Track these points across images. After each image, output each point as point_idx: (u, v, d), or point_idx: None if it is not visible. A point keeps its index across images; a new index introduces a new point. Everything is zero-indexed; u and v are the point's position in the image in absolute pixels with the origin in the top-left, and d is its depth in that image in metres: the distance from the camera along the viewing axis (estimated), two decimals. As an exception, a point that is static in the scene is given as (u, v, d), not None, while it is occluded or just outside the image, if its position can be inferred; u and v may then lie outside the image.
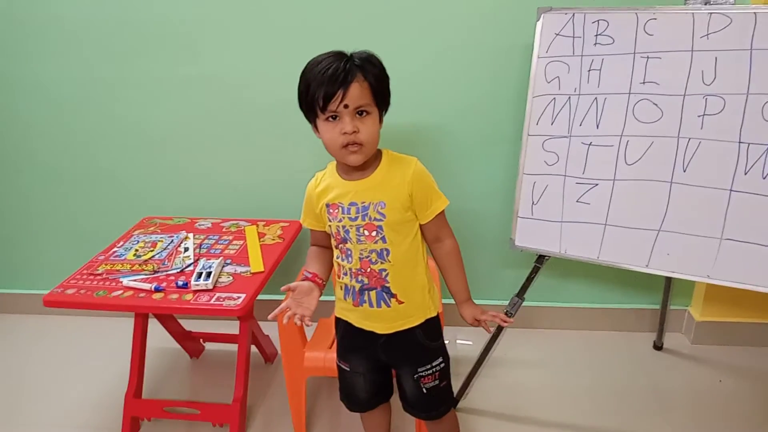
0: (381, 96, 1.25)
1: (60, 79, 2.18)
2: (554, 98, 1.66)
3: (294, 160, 2.18)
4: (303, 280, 1.32)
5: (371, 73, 1.21)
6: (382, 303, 1.32)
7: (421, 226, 1.33)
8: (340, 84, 1.17)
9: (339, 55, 1.21)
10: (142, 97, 2.17)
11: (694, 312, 2.26)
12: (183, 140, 2.22)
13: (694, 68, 1.48)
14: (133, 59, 2.12)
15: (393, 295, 1.31)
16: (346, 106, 1.19)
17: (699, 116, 1.47)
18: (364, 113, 1.22)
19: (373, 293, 1.32)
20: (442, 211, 1.32)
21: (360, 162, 1.25)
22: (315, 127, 1.28)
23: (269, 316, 1.26)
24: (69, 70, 2.16)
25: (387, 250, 1.28)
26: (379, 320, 1.35)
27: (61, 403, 2.01)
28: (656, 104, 1.52)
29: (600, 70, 1.59)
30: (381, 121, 1.29)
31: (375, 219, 1.27)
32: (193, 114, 2.18)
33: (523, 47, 1.90)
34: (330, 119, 1.22)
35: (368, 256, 1.29)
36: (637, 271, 1.61)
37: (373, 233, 1.27)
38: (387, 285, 1.31)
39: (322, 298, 2.18)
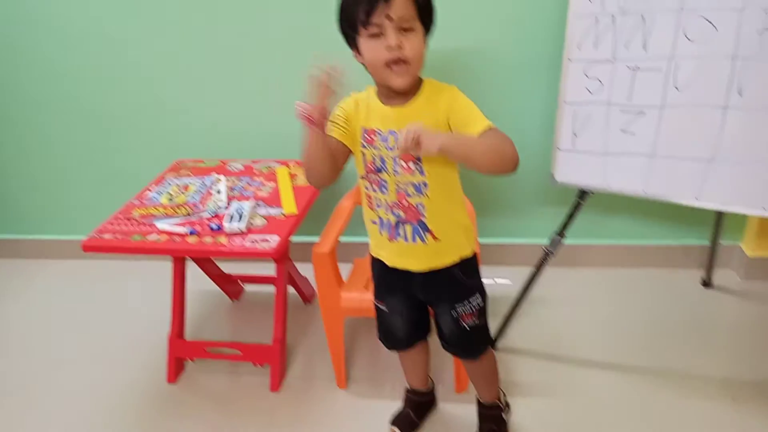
0: (426, 13, 1.17)
1: (91, 21, 2.15)
2: (597, 18, 1.54)
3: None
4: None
5: None
6: (417, 238, 1.28)
7: None
8: None
9: None
10: (172, 39, 2.14)
11: (746, 247, 2.16)
12: (213, 82, 2.19)
13: (755, -22, 1.34)
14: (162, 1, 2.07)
15: (429, 231, 1.27)
16: (389, 19, 1.12)
17: (758, 33, 1.34)
18: (409, 29, 1.15)
19: (408, 227, 1.28)
20: (492, 130, 1.16)
21: (406, 85, 1.18)
22: (356, 50, 1.21)
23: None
24: (93, 9, 2.13)
25: (425, 183, 1.23)
26: (414, 257, 1.32)
27: (107, 345, 2.08)
28: (710, 21, 1.39)
29: (648, -15, 1.46)
30: (426, 43, 1.21)
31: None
32: (221, 55, 2.14)
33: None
34: (373, 36, 1.15)
35: (405, 189, 1.24)
36: (686, 205, 1.53)
37: (410, 164, 1.22)
38: (423, 220, 1.27)
39: (356, 239, 2.19)
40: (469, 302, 1.36)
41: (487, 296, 1.41)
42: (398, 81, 1.17)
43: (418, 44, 1.16)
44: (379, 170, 1.25)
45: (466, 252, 1.34)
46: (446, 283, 1.35)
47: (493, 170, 1.16)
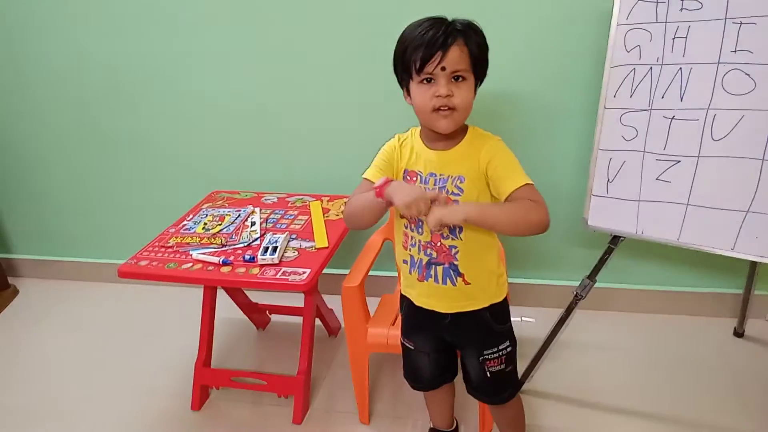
0: (479, 65, 1.20)
1: (128, 54, 2.23)
2: (634, 69, 1.55)
3: (359, 136, 2.16)
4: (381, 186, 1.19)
5: (473, 39, 1.18)
6: (448, 280, 1.29)
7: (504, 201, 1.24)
8: (440, 46, 1.14)
9: (440, 20, 1.18)
10: (209, 72, 2.20)
11: (781, 298, 2.12)
12: (250, 115, 2.24)
13: (795, 34, 1.34)
14: (199, 32, 2.14)
15: (460, 275, 1.28)
16: (443, 69, 1.15)
17: (798, 87, 1.35)
18: (460, 78, 1.18)
19: (440, 269, 1.29)
20: (527, 188, 1.18)
21: (450, 129, 1.20)
22: (407, 91, 1.25)
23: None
24: (137, 45, 2.21)
25: (460, 226, 1.24)
26: (442, 298, 1.32)
27: (134, 369, 2.11)
28: (748, 74, 1.39)
29: (686, 37, 1.47)
30: (475, 92, 1.24)
31: (452, 193, 1.23)
32: (260, 90, 2.19)
33: (601, 13, 1.78)
34: (424, 82, 1.18)
35: (440, 230, 1.25)
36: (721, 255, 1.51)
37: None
38: (455, 263, 1.27)
39: (386, 273, 2.20)
40: (498, 349, 1.36)
41: (516, 342, 1.40)
42: (443, 123, 1.19)
43: (467, 94, 1.19)
44: None
45: (496, 298, 1.35)
46: (476, 327, 1.35)
47: (519, 235, 1.20)
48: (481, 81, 1.25)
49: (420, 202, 1.12)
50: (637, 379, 1.92)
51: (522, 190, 1.18)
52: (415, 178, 1.27)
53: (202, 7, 2.09)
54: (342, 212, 1.92)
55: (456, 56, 1.15)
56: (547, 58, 1.94)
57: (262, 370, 2.00)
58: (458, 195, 1.23)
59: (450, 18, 1.19)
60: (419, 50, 1.15)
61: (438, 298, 1.33)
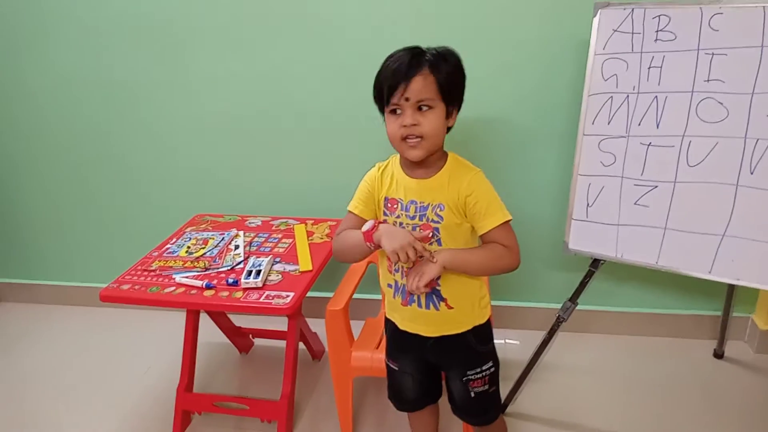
0: (449, 92, 1.22)
1: (111, 76, 2.23)
2: (611, 97, 1.60)
3: (343, 160, 2.18)
4: (370, 230, 1.24)
5: (441, 68, 1.20)
6: (431, 305, 1.31)
7: (480, 237, 1.28)
8: (401, 77, 1.17)
9: (411, 50, 1.21)
10: (195, 96, 2.21)
11: (758, 320, 2.15)
12: (234, 139, 2.25)
13: (764, 65, 1.39)
14: (184, 56, 2.16)
15: (443, 299, 1.30)
16: (407, 99, 1.18)
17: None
18: (426, 108, 1.20)
19: (422, 294, 1.30)
20: (503, 227, 1.25)
21: (419, 157, 1.23)
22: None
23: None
24: (120, 67, 2.21)
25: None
26: (426, 323, 1.34)
27: (115, 393, 2.08)
28: (721, 103, 1.44)
29: (661, 67, 1.52)
30: (452, 117, 1.26)
31: (432, 220, 1.25)
32: (244, 113, 2.20)
33: (580, 43, 1.84)
34: (393, 112, 1.22)
35: (422, 256, 1.27)
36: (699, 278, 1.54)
37: (429, 233, 1.26)
38: (438, 288, 1.29)
39: (369, 296, 2.21)
40: (482, 369, 1.37)
41: (499, 363, 1.41)
42: (411, 153, 1.22)
43: (434, 121, 1.21)
44: None
45: (479, 320, 1.36)
46: (459, 349, 1.36)
47: (488, 276, 1.35)
48: (458, 107, 1.27)
49: (408, 249, 1.15)
50: (619, 401, 1.93)
51: (498, 230, 1.24)
52: (396, 205, 1.29)
53: (188, 31, 2.11)
54: (326, 235, 1.93)
55: (419, 86, 1.18)
56: (527, 86, 1.98)
57: (245, 395, 1.98)
58: (438, 222, 1.25)
59: (426, 47, 1.22)
60: (387, 82, 1.19)
61: (421, 322, 1.34)
